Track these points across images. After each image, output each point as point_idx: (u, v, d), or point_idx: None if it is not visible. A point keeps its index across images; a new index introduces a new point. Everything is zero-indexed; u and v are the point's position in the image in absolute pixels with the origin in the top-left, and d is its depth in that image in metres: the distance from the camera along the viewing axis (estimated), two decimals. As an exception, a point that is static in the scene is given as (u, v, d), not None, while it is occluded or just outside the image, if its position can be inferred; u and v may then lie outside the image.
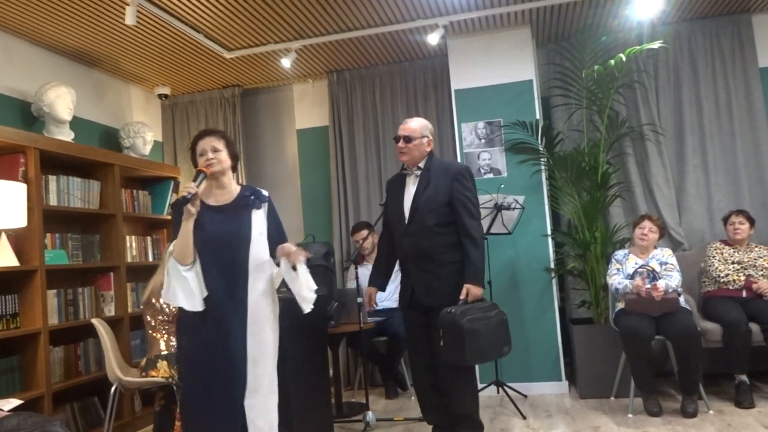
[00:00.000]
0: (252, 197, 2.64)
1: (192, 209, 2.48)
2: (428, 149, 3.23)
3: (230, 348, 2.51)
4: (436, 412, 3.24)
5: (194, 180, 2.51)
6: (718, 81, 4.79)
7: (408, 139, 3.19)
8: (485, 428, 3.28)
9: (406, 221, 3.17)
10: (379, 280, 3.42)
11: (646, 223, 4.04)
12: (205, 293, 2.51)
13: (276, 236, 2.67)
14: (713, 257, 4.19)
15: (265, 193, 2.71)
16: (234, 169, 2.71)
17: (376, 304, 3.42)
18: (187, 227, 2.49)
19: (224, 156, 2.61)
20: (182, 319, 2.60)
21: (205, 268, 2.54)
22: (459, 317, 2.89)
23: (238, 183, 2.74)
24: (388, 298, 4.85)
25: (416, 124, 3.23)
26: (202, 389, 2.51)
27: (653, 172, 4.79)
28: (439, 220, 3.10)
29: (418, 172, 3.21)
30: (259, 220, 2.63)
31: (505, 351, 3.09)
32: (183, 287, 2.51)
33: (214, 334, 2.52)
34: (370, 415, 3.78)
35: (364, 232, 4.82)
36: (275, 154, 5.76)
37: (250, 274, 2.57)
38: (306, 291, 2.60)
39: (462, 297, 3.00)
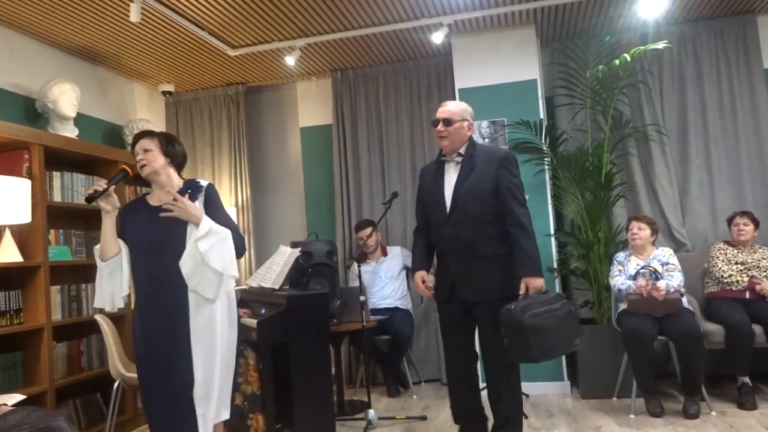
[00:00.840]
0: (188, 190, 2.58)
1: (105, 206, 2.51)
2: (469, 134, 3.02)
3: (172, 350, 2.46)
4: (465, 410, 3.11)
5: (113, 177, 2.57)
6: (723, 82, 4.79)
7: (448, 122, 2.96)
8: (487, 428, 3.25)
9: (448, 210, 2.95)
10: (424, 263, 3.15)
11: (633, 224, 4.05)
12: (125, 293, 2.52)
13: (219, 223, 2.53)
14: (716, 258, 4.18)
15: (202, 183, 2.64)
16: (177, 168, 2.69)
17: (431, 288, 3.12)
18: (105, 223, 2.53)
19: (155, 155, 2.59)
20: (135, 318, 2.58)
21: (141, 268, 2.53)
22: (519, 314, 2.67)
23: (181, 178, 2.71)
24: (391, 296, 4.86)
25: (456, 107, 3.02)
26: (151, 387, 2.49)
27: (657, 173, 4.79)
28: (484, 210, 2.89)
29: (459, 159, 2.99)
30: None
31: (577, 343, 2.84)
32: (99, 286, 2.53)
33: (154, 335, 2.48)
34: (372, 414, 3.79)
35: (368, 230, 4.79)
36: (278, 152, 5.77)
37: (187, 272, 2.47)
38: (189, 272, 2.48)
39: (521, 292, 2.79)
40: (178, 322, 2.46)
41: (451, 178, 3.01)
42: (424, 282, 3.09)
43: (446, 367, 3.18)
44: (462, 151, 3.01)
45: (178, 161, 2.69)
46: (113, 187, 2.53)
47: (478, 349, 3.11)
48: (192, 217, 2.44)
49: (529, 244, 2.84)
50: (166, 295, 2.48)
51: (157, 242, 2.50)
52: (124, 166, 2.63)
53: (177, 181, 2.66)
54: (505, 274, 2.88)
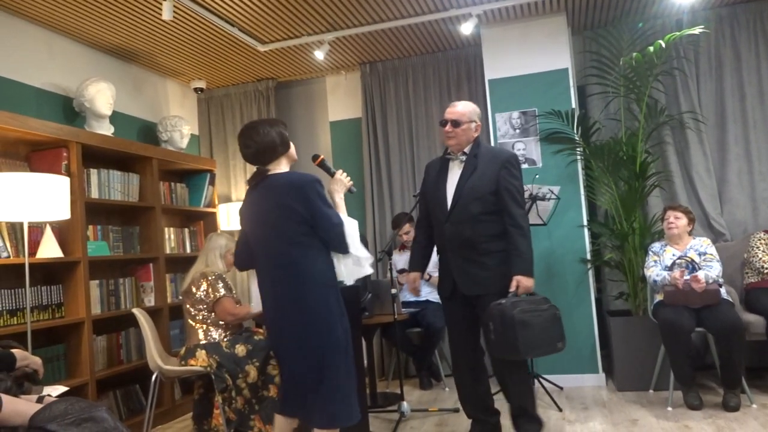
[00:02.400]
0: None
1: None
2: (476, 134, 3.10)
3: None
4: (475, 404, 3.20)
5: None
6: (762, 66, 4.65)
7: (456, 123, 3.05)
8: (498, 421, 3.24)
9: (449, 208, 3.05)
10: (419, 265, 3.32)
11: (669, 213, 3.97)
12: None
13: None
14: (757, 248, 4.08)
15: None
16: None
17: (419, 291, 3.32)
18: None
19: None
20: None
21: None
22: (509, 308, 2.78)
23: None
24: (423, 288, 4.86)
25: (464, 108, 3.10)
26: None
27: (694, 162, 4.68)
28: (484, 209, 2.99)
29: (464, 158, 3.08)
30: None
31: (559, 347, 2.93)
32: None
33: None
34: (404, 406, 3.80)
35: (407, 226, 4.83)
36: (309, 146, 5.79)
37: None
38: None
39: (512, 289, 2.89)
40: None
41: (454, 176, 3.10)
42: (416, 282, 3.31)
43: (453, 363, 3.28)
44: (467, 150, 3.10)
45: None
46: None
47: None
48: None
49: (525, 245, 2.94)
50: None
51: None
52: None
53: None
54: (504, 269, 2.97)
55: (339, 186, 2.74)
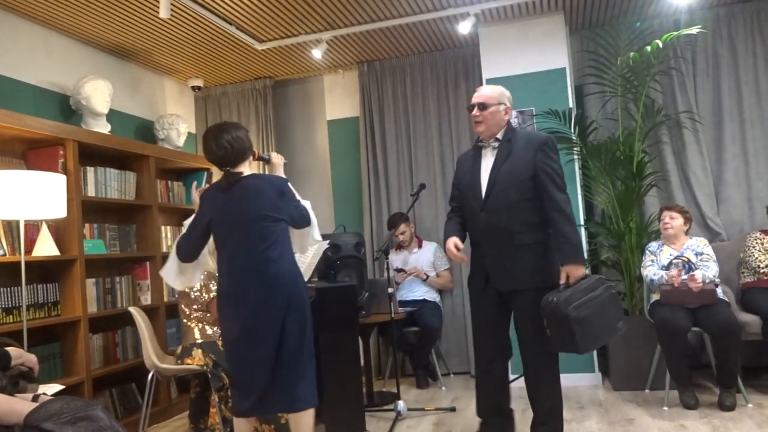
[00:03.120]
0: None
1: None
2: (506, 118, 2.92)
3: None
4: (492, 404, 3.01)
5: None
6: (759, 66, 4.66)
7: (483, 107, 2.87)
8: (517, 420, 3.21)
9: (483, 196, 2.85)
10: (456, 232, 3.00)
11: (665, 213, 3.97)
12: None
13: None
14: (753, 247, 4.08)
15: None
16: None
17: (461, 255, 2.95)
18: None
19: None
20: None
21: None
22: (563, 306, 2.58)
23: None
24: (420, 287, 4.87)
25: (492, 91, 2.93)
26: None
27: (690, 161, 4.69)
28: (522, 195, 2.78)
29: (496, 144, 2.90)
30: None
31: (619, 327, 2.76)
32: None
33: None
34: (401, 405, 3.80)
35: (402, 226, 4.84)
36: (306, 144, 5.79)
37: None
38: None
39: (562, 281, 2.70)
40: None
41: (487, 163, 2.91)
42: (456, 247, 2.93)
43: (476, 360, 3.07)
44: (499, 136, 2.92)
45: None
46: None
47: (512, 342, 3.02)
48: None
49: (571, 230, 2.73)
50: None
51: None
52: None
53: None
54: (542, 262, 2.80)
55: (279, 166, 3.06)
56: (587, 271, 3.25)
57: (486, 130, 2.91)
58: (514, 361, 3.14)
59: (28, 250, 3.55)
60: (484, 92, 2.94)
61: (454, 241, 2.95)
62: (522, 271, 2.79)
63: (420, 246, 5.02)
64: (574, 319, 2.56)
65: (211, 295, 3.55)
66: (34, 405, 1.92)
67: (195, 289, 3.56)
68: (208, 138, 2.73)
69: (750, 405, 3.57)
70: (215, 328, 3.56)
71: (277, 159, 3.09)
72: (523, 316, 2.84)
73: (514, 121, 4.62)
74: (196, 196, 2.92)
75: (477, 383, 3.05)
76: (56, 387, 2.76)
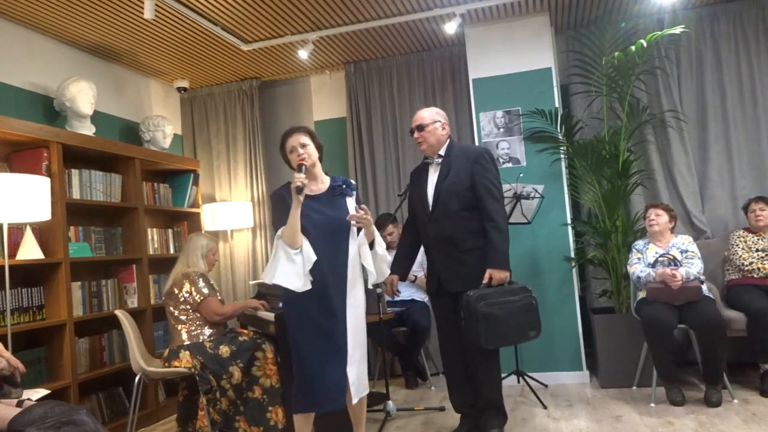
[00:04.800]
0: (344, 186, 2.87)
1: (301, 198, 2.66)
2: (443, 133, 3.23)
3: (334, 326, 2.74)
4: (463, 399, 3.28)
5: (300, 172, 2.71)
6: (742, 65, 4.71)
7: (420, 128, 3.22)
8: (506, 418, 3.28)
9: (430, 208, 3.18)
10: (401, 268, 3.44)
11: (650, 211, 4.01)
12: (308, 270, 2.69)
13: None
14: (737, 245, 4.12)
15: (353, 182, 2.95)
16: (321, 159, 2.90)
17: (399, 292, 3.42)
18: (296, 214, 2.67)
19: (312, 149, 2.83)
20: (289, 297, 2.78)
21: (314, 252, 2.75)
22: (475, 301, 2.91)
23: (325, 173, 2.96)
24: (409, 287, 4.86)
25: (425, 112, 3.26)
26: (312, 360, 2.73)
27: (675, 160, 4.73)
28: (463, 205, 3.10)
29: (439, 160, 3.22)
30: (352, 206, 2.85)
31: (531, 335, 3.04)
32: (295, 269, 2.67)
33: (318, 312, 2.73)
34: (390, 405, 3.79)
35: (390, 227, 4.84)
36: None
37: (350, 257, 2.81)
38: (373, 264, 2.84)
39: (485, 282, 3.00)
40: (337, 299, 2.76)
41: (432, 178, 3.23)
42: (393, 285, 3.36)
43: (442, 357, 3.37)
44: (442, 152, 3.23)
45: (322, 154, 2.93)
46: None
47: None
48: (371, 232, 2.83)
49: (499, 238, 3.02)
50: (327, 275, 2.74)
51: (321, 228, 2.75)
52: (301, 161, 2.76)
53: (324, 176, 2.91)
54: (485, 266, 3.05)
55: None
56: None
57: (428, 148, 3.24)
58: (502, 359, 3.20)
59: (12, 253, 3.51)
60: (420, 114, 3.27)
61: (392, 279, 3.33)
62: (468, 274, 3.08)
63: (408, 246, 5.01)
64: (482, 314, 2.89)
65: (202, 295, 3.53)
66: (18, 410, 1.90)
67: (185, 291, 3.54)
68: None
69: (736, 401, 3.61)
70: (203, 330, 3.55)
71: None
72: None
73: (501, 120, 4.65)
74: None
75: (448, 380, 3.34)
76: (41, 392, 2.72)
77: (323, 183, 2.88)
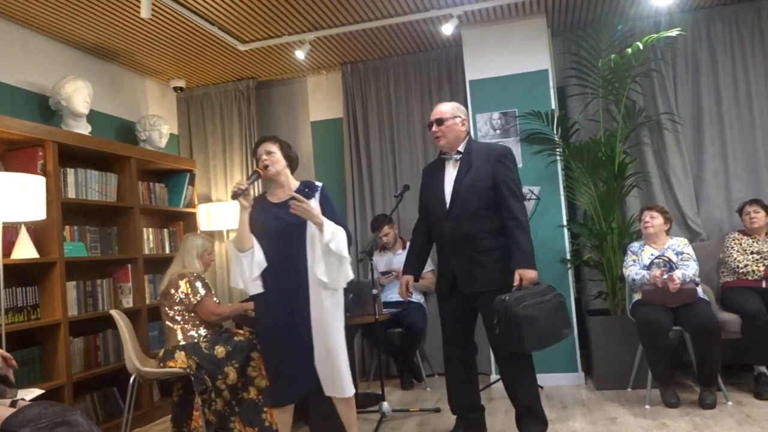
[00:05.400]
0: (306, 189, 2.94)
1: (244, 203, 2.84)
2: (463, 129, 3.16)
3: (296, 323, 2.85)
4: (463, 401, 3.23)
5: (248, 178, 2.92)
6: (737, 68, 4.72)
7: (440, 122, 3.14)
8: (500, 419, 3.27)
9: (447, 206, 3.09)
10: (414, 268, 3.37)
11: (645, 213, 4.02)
12: (256, 275, 2.85)
13: (330, 219, 2.85)
14: (731, 248, 4.14)
15: (318, 183, 3.00)
16: (291, 169, 3.02)
17: (411, 294, 3.38)
18: (242, 218, 2.86)
19: (277, 157, 2.93)
20: (256, 297, 2.94)
21: (269, 257, 2.88)
22: (514, 304, 2.78)
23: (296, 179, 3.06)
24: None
25: (446, 107, 3.19)
26: (276, 356, 2.89)
27: (671, 162, 4.74)
28: (483, 204, 3.03)
29: (458, 156, 3.14)
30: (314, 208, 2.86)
31: (564, 334, 2.96)
32: (240, 272, 2.86)
33: (280, 311, 2.85)
34: (385, 406, 3.79)
35: (386, 228, 4.84)
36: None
37: (309, 258, 2.86)
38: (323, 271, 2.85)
39: (516, 283, 2.92)
40: (301, 299, 2.85)
41: (450, 174, 3.14)
42: (408, 286, 3.32)
43: (445, 359, 3.29)
44: (461, 149, 3.15)
45: (294, 165, 3.04)
46: (251, 186, 2.89)
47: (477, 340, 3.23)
48: (313, 217, 2.78)
49: (524, 238, 2.96)
50: (288, 279, 2.85)
51: (277, 232, 2.87)
52: (257, 169, 2.94)
53: (293, 181, 3.00)
54: (503, 266, 2.99)
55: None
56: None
57: (447, 144, 3.16)
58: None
59: (7, 252, 3.50)
60: (440, 108, 3.20)
61: (407, 279, 3.32)
62: (485, 275, 3.02)
63: (404, 247, 5.01)
64: (522, 316, 2.76)
65: (199, 296, 3.52)
66: (12, 411, 1.89)
67: (181, 291, 3.53)
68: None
69: (730, 403, 3.62)
70: (199, 330, 3.54)
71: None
72: (488, 317, 3.00)
73: (497, 122, 4.66)
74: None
75: (448, 381, 3.28)
76: (35, 392, 2.72)
77: (290, 190, 2.94)
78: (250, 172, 2.96)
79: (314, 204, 2.88)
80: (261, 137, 3.05)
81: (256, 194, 3.40)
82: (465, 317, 3.15)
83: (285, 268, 2.85)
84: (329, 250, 2.79)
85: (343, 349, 2.89)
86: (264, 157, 2.92)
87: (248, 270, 2.85)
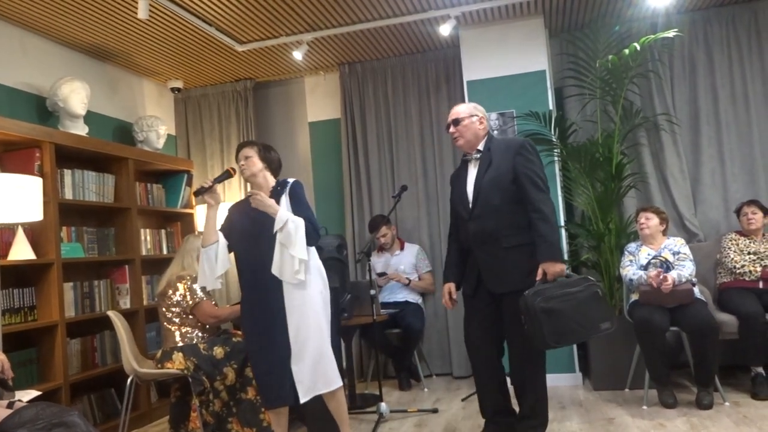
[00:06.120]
0: (278, 188, 3.01)
1: (210, 201, 2.95)
2: (481, 127, 3.08)
3: (270, 325, 2.88)
4: (494, 405, 3.10)
5: (218, 176, 3.07)
6: (734, 69, 4.73)
7: (456, 122, 3.07)
8: (515, 423, 3.24)
9: (470, 205, 3.01)
10: (455, 275, 3.19)
11: (641, 215, 4.03)
12: (218, 274, 2.94)
13: (299, 215, 2.89)
14: (729, 248, 4.15)
15: (289, 180, 3.06)
16: (273, 172, 3.12)
17: (455, 301, 3.18)
18: (208, 214, 2.97)
19: (254, 161, 3.02)
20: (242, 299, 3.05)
21: (247, 258, 2.97)
22: (531, 298, 2.69)
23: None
24: (403, 289, 4.87)
25: (462, 107, 3.13)
26: (257, 356, 2.95)
27: (668, 163, 4.75)
28: (506, 199, 2.92)
29: (478, 155, 3.06)
30: (284, 204, 2.94)
31: (604, 327, 2.77)
32: (202, 267, 2.95)
33: (256, 312, 2.92)
34: (383, 407, 3.79)
35: (384, 229, 4.84)
36: (287, 147, 5.76)
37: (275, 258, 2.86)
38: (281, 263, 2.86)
39: (539, 278, 2.79)
40: (276, 300, 2.87)
41: (472, 174, 3.07)
42: (450, 294, 3.15)
43: (472, 363, 3.15)
44: (480, 147, 3.08)
45: (274, 166, 3.13)
46: (217, 184, 3.01)
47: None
48: (267, 207, 2.83)
49: (548, 229, 2.82)
50: (263, 277, 2.87)
51: (251, 233, 2.95)
52: (229, 168, 3.11)
53: (272, 182, 3.09)
54: (532, 263, 2.85)
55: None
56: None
57: (466, 143, 3.09)
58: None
59: (3, 253, 3.50)
60: (456, 109, 3.15)
61: (449, 287, 3.17)
62: (513, 273, 2.90)
63: (402, 248, 5.02)
64: (541, 309, 2.66)
65: (197, 298, 3.52)
66: (9, 412, 1.89)
67: (179, 294, 3.52)
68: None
69: (727, 403, 3.62)
70: (197, 332, 3.54)
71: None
72: (510, 316, 2.92)
73: (495, 123, 4.66)
74: None
75: (478, 386, 3.13)
76: (32, 393, 2.71)
77: (267, 192, 3.02)
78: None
79: (284, 200, 2.94)
80: (241, 143, 3.16)
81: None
82: (491, 318, 3.01)
83: (261, 267, 2.88)
84: (280, 241, 2.82)
85: (325, 342, 2.87)
86: (242, 162, 3.03)
87: (208, 265, 2.93)
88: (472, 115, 3.07)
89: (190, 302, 3.51)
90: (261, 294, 2.91)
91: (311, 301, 2.87)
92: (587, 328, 2.76)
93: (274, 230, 2.80)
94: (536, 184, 2.90)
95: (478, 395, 3.15)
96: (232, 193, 5.53)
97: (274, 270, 2.82)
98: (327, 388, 2.88)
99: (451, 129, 3.10)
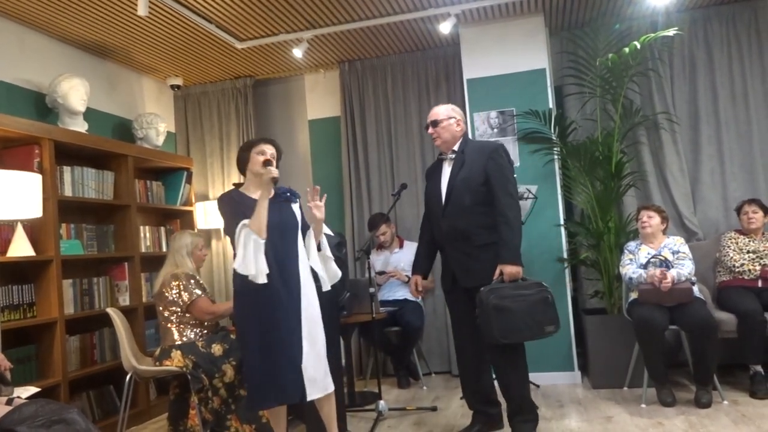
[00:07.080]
0: (289, 194, 2.97)
1: (272, 190, 2.88)
2: (458, 129, 3.25)
3: (285, 320, 2.79)
4: (478, 396, 3.28)
5: (269, 166, 2.85)
6: (734, 68, 4.73)
7: (435, 123, 3.24)
8: (500, 413, 3.28)
9: (443, 203, 3.19)
10: (423, 267, 3.44)
11: (643, 213, 4.03)
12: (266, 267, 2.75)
13: (306, 228, 2.96)
14: (728, 247, 4.15)
15: (296, 192, 3.05)
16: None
17: (422, 292, 3.47)
18: (266, 205, 2.74)
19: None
20: (241, 291, 2.81)
21: (267, 251, 2.83)
22: (486, 295, 2.90)
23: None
24: (402, 287, 4.87)
25: (441, 108, 3.29)
26: (262, 359, 2.76)
27: (668, 161, 4.75)
28: (476, 200, 3.09)
29: (453, 155, 3.23)
30: (298, 212, 2.97)
31: (549, 330, 3.00)
32: (256, 258, 2.69)
33: (270, 306, 2.77)
34: (382, 405, 3.80)
35: (383, 227, 4.84)
36: (287, 144, 5.75)
37: (300, 258, 2.87)
38: (322, 269, 2.94)
39: (496, 277, 3.00)
40: (289, 296, 2.80)
41: (446, 173, 3.24)
42: (417, 285, 3.40)
43: (457, 356, 3.35)
44: (456, 147, 3.24)
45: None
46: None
47: None
48: (321, 228, 2.94)
49: (510, 234, 3.02)
50: (287, 272, 2.82)
51: (278, 228, 2.82)
52: (269, 159, 2.92)
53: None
54: (498, 261, 3.05)
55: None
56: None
57: (443, 143, 3.26)
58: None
59: (3, 250, 3.50)
60: (435, 110, 3.30)
61: (417, 279, 3.40)
62: (482, 269, 3.08)
63: (401, 246, 5.02)
64: (493, 306, 2.88)
65: (193, 296, 3.52)
66: (8, 408, 1.89)
67: (174, 292, 3.52)
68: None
69: (726, 402, 3.63)
70: (196, 330, 3.53)
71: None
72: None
73: (494, 121, 4.66)
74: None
75: (462, 378, 3.33)
76: (31, 390, 2.71)
77: (272, 192, 2.98)
78: (263, 163, 2.90)
79: (297, 209, 2.97)
80: (265, 137, 3.09)
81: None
82: (470, 311, 3.14)
83: (279, 261, 2.83)
84: (326, 260, 2.94)
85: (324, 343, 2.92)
86: (269, 155, 2.94)
87: (262, 259, 2.72)
88: (450, 117, 3.23)
89: (186, 300, 3.51)
90: (277, 290, 2.80)
91: (317, 302, 2.91)
92: (533, 329, 2.96)
93: (319, 239, 2.92)
94: (505, 189, 3.07)
95: (462, 386, 3.34)
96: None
97: (326, 285, 2.93)
98: (332, 387, 2.90)
99: (430, 130, 3.27)
